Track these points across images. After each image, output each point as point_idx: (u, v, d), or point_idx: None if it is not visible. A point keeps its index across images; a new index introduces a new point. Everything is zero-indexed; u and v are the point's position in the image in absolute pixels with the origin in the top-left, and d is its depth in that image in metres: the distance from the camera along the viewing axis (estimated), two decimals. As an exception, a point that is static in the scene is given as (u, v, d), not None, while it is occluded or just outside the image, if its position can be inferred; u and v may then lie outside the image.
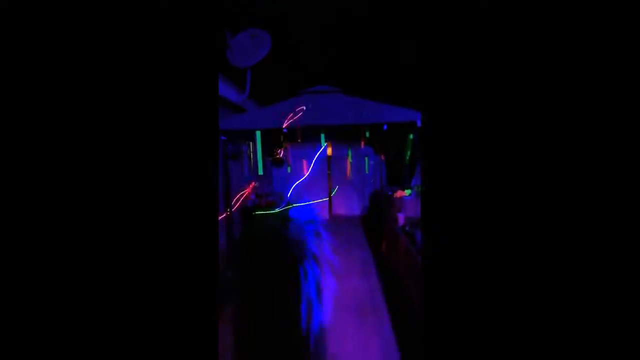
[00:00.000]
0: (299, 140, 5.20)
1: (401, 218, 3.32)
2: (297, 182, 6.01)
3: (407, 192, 3.77)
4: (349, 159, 6.66)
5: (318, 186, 6.67)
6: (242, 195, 4.56)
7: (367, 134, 4.64)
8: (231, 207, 4.08)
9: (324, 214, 6.72)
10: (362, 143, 5.88)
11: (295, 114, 3.90)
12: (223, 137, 3.91)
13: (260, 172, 3.52)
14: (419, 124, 3.59)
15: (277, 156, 5.54)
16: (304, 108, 3.92)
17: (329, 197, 6.76)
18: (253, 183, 5.20)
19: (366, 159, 6.57)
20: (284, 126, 3.73)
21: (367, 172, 6.66)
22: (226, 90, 4.03)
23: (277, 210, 4.84)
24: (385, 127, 3.85)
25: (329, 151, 6.63)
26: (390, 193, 4.14)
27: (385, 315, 2.81)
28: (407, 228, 3.07)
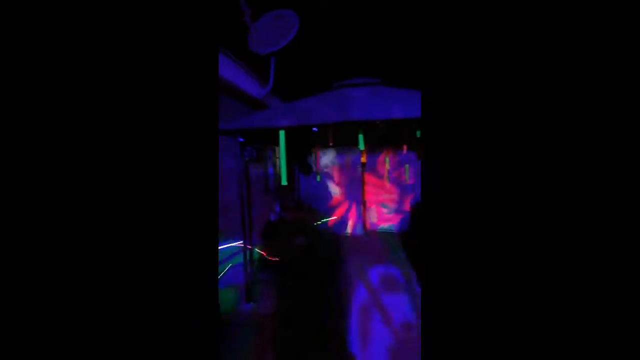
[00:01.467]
0: (331, 144, 4.41)
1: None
2: (330, 193, 5.22)
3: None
4: (387, 166, 5.78)
5: (351, 197, 5.87)
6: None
7: (418, 134, 3.74)
8: (252, 226, 3.35)
9: (358, 229, 5.87)
10: (405, 147, 4.98)
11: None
12: (240, 139, 3.22)
13: (284, 182, 2.77)
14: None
15: (306, 162, 4.81)
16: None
17: (363, 209, 5.90)
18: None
19: (406, 166, 5.66)
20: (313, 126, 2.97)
21: (407, 181, 5.74)
22: (245, 82, 3.35)
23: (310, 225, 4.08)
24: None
25: (364, 157, 5.80)
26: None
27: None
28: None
